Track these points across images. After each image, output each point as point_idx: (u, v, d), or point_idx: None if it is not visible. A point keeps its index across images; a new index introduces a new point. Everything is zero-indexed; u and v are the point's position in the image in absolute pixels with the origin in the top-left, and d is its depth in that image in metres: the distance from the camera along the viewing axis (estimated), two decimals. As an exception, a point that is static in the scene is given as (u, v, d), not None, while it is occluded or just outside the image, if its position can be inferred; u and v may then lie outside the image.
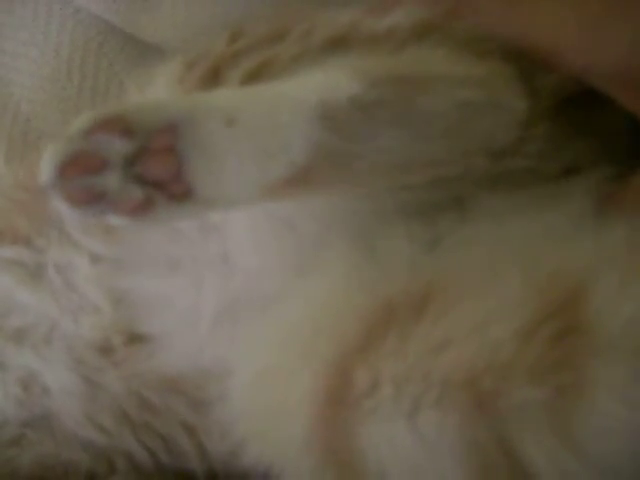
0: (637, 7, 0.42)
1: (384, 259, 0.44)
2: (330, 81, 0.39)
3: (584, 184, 0.44)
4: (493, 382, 0.37)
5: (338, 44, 0.46)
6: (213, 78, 0.47)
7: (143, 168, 0.36)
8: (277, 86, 0.40)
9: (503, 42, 0.45)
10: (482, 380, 0.37)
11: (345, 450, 0.40)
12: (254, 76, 0.45)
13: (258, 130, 0.37)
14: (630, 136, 0.47)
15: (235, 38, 0.50)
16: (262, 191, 0.38)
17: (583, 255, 0.40)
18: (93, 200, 0.36)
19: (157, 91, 0.49)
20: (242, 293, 0.46)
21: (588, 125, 0.46)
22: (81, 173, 0.36)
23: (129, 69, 0.63)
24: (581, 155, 0.45)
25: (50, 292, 0.50)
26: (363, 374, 0.40)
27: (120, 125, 0.36)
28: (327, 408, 0.40)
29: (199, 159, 0.37)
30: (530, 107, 0.43)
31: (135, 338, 0.49)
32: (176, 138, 0.36)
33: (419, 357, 0.39)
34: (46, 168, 0.36)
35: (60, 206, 0.36)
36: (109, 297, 0.49)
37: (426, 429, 0.38)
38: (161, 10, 0.61)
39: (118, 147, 0.36)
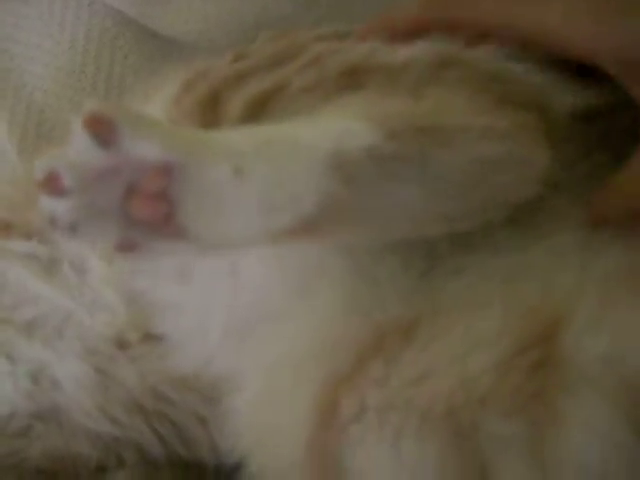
0: None
1: (378, 286, 0.43)
2: (345, 130, 0.37)
3: (575, 210, 0.44)
4: (471, 414, 0.38)
5: (352, 77, 0.44)
6: (212, 101, 0.45)
7: (132, 211, 0.34)
8: (289, 131, 0.37)
9: (523, 79, 0.44)
10: (460, 412, 0.38)
11: (335, 472, 0.40)
12: (260, 103, 0.44)
13: (267, 181, 0.35)
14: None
15: (238, 58, 0.48)
16: (264, 238, 0.36)
17: (564, 288, 0.40)
18: (65, 229, 0.35)
19: (153, 110, 0.47)
20: (250, 309, 0.46)
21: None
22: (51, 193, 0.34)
23: (144, 61, 0.63)
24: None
25: (64, 286, 0.50)
26: (350, 400, 0.40)
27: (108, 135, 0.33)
28: (318, 431, 0.41)
29: (195, 205, 0.34)
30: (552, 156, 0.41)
31: (150, 336, 0.49)
32: (169, 182, 0.34)
33: (402, 386, 0.40)
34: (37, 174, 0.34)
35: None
36: (123, 297, 0.49)
37: (408, 457, 0.39)
38: (177, 3, 0.61)
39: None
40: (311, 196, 0.35)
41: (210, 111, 0.45)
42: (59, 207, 0.34)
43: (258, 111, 0.44)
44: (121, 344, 0.49)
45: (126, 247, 0.35)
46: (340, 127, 0.37)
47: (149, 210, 0.34)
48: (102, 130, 0.33)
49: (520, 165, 0.40)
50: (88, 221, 0.35)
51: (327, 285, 0.44)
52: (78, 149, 0.34)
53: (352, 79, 0.44)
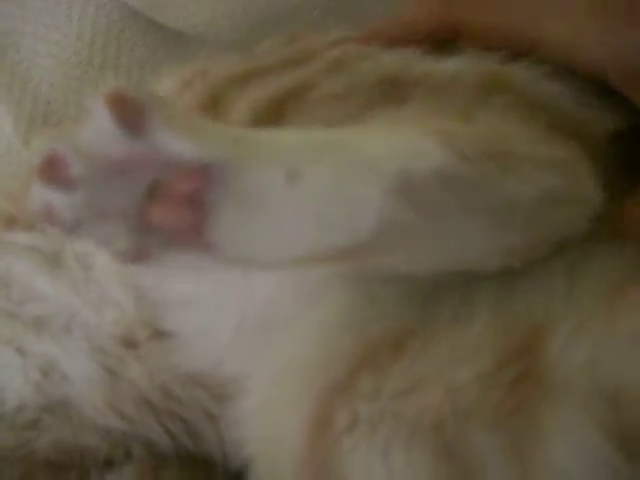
0: None
1: (378, 300, 0.42)
2: (414, 147, 0.33)
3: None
4: (457, 426, 0.37)
5: (390, 88, 0.42)
6: (212, 103, 0.41)
7: (154, 215, 0.29)
8: (352, 140, 0.33)
9: (566, 104, 0.43)
10: (447, 424, 0.37)
11: None
12: (274, 108, 0.40)
13: (325, 193, 0.31)
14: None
15: (244, 60, 0.45)
16: (305, 260, 0.32)
17: (549, 303, 0.40)
18: (65, 226, 0.30)
19: None
20: (260, 312, 0.45)
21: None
22: (51, 182, 0.29)
23: (151, 54, 0.63)
24: None
25: (69, 281, 0.49)
26: (343, 412, 0.39)
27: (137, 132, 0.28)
28: (314, 441, 0.40)
29: (233, 214, 0.30)
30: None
31: (159, 334, 0.48)
32: (205, 185, 0.29)
33: (391, 398, 0.39)
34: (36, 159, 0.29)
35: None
36: (130, 293, 0.48)
37: (397, 468, 0.38)
38: (184, -5, 0.61)
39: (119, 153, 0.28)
40: (372, 215, 0.31)
41: (209, 114, 0.41)
42: (60, 200, 0.29)
43: (271, 116, 0.41)
44: (129, 343, 0.48)
45: (136, 256, 0.31)
46: (409, 143, 0.34)
47: (175, 216, 0.29)
48: (129, 112, 0.28)
49: (579, 201, 0.38)
50: (95, 220, 0.30)
51: (330, 296, 0.43)
52: (95, 131, 0.28)
53: (390, 91, 0.42)
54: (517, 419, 0.36)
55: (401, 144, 0.33)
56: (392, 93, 0.41)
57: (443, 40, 0.46)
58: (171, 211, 0.29)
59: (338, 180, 0.31)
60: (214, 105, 0.42)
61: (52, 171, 0.29)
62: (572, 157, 0.39)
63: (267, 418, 0.44)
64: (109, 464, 0.50)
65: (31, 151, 0.29)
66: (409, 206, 0.32)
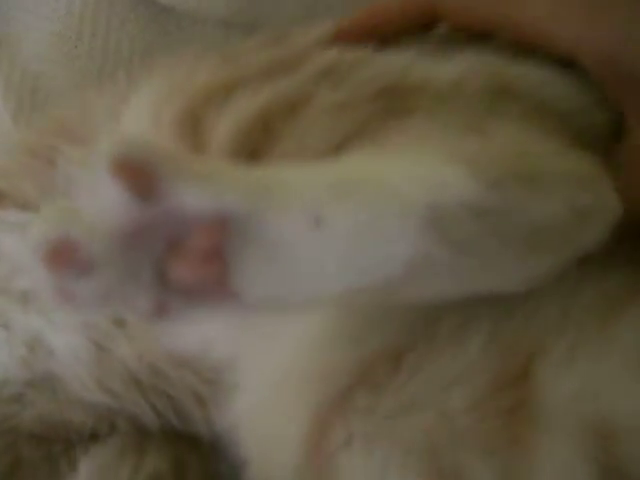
0: None
1: (376, 316, 0.41)
2: (441, 177, 0.31)
3: None
4: (451, 452, 0.36)
5: (391, 98, 0.40)
6: (192, 120, 0.39)
7: (174, 272, 0.28)
8: (374, 173, 0.31)
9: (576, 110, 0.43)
10: (442, 449, 0.37)
11: None
12: (261, 124, 0.38)
13: (352, 234, 0.29)
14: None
15: (224, 64, 0.42)
16: (332, 300, 0.31)
17: (545, 323, 0.39)
18: (90, 307, 0.29)
19: (130, 123, 0.42)
20: None
21: None
22: (68, 267, 0.27)
23: (141, 29, 0.62)
24: None
25: None
26: (338, 428, 0.39)
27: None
28: (311, 453, 0.39)
29: (256, 265, 0.29)
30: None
31: None
32: (224, 237, 0.28)
33: (387, 416, 0.38)
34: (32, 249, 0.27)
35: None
36: None
37: None
38: (175, -30, 0.60)
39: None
40: (401, 255, 0.30)
41: (190, 134, 0.39)
42: (79, 283, 0.28)
43: (259, 133, 0.39)
44: (118, 321, 0.47)
45: (156, 314, 0.30)
46: (434, 175, 0.32)
47: (195, 272, 0.28)
48: (139, 178, 0.27)
49: (605, 214, 0.36)
50: (115, 292, 0.29)
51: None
52: (103, 203, 0.27)
53: (391, 102, 0.40)
54: (511, 448, 0.36)
55: (426, 176, 0.32)
56: (393, 104, 0.40)
57: (420, 25, 0.46)
58: (191, 267, 0.28)
59: (365, 221, 0.30)
60: (195, 124, 0.40)
61: (65, 259, 0.28)
62: (595, 170, 0.37)
63: (263, 420, 0.43)
64: (94, 437, 0.50)
65: (31, 235, 0.26)
66: (441, 240, 0.31)
